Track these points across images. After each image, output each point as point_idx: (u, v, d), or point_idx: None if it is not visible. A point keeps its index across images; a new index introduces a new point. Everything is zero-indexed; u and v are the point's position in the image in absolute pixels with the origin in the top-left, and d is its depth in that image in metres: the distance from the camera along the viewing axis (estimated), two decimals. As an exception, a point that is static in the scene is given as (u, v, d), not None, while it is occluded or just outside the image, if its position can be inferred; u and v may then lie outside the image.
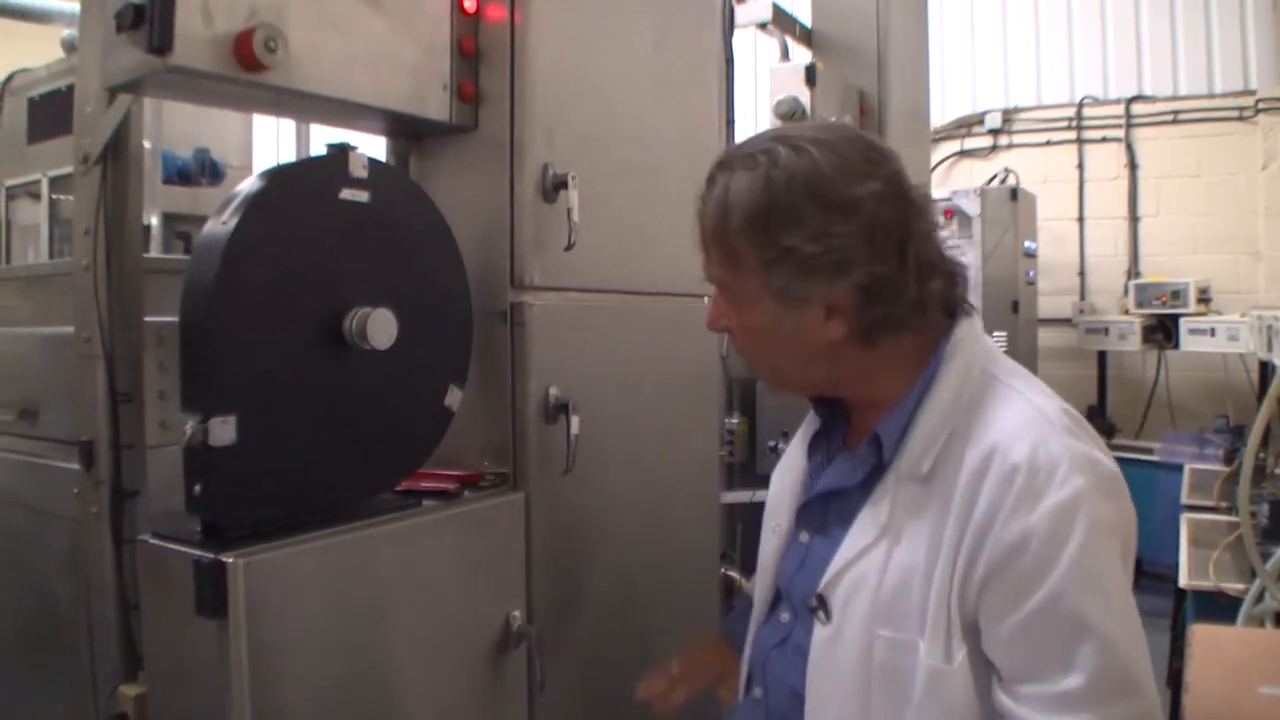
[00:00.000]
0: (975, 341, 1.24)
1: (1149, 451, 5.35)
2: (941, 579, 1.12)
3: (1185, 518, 3.94)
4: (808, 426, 1.44)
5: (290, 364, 1.48)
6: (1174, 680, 2.99)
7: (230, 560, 1.36)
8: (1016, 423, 1.13)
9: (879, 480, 1.22)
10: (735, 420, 3.36)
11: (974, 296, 4.62)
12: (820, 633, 1.23)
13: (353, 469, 1.60)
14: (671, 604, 2.18)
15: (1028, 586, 1.07)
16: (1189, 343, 5.36)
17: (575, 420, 1.84)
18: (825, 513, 1.31)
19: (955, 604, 1.11)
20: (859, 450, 1.25)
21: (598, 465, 1.96)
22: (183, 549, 1.43)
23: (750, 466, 3.52)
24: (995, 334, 5.03)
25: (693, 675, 1.61)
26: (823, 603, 1.23)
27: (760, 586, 1.43)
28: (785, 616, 1.35)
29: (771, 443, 3.46)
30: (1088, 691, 1.05)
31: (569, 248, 1.86)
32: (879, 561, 1.19)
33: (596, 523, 2.02)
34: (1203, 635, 1.88)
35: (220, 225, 1.42)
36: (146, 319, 1.81)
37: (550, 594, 1.89)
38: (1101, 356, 5.87)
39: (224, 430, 1.39)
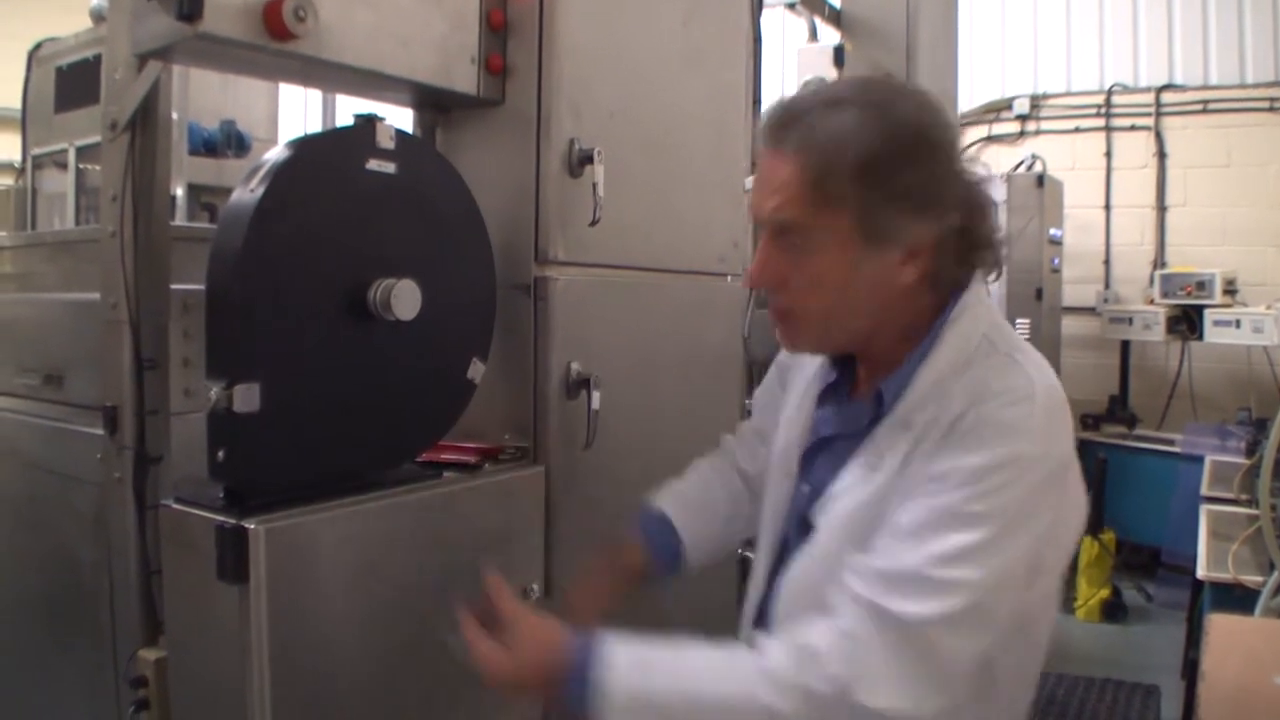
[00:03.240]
0: (979, 306, 1.28)
1: (1170, 443, 5.32)
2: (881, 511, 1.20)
3: (1205, 509, 3.91)
4: (817, 380, 1.45)
5: (315, 333, 1.49)
6: (1190, 670, 2.98)
7: (252, 526, 1.37)
8: (995, 381, 1.19)
9: (874, 428, 1.28)
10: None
11: (998, 283, 4.59)
12: (804, 549, 1.31)
13: (375, 438, 1.61)
14: (688, 581, 2.18)
15: (930, 493, 1.15)
16: (1213, 334, 5.31)
17: (596, 396, 1.84)
18: (828, 453, 1.36)
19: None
20: (863, 403, 1.32)
21: (618, 441, 1.97)
22: (205, 514, 1.44)
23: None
24: (1018, 321, 5.00)
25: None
26: (808, 526, 1.31)
27: (768, 530, 1.46)
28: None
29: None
30: (914, 577, 1.11)
31: (594, 223, 1.86)
32: (859, 494, 1.25)
33: (615, 498, 2.02)
34: (1220, 625, 1.87)
35: (247, 193, 1.42)
36: (172, 286, 1.82)
37: (568, 568, 1.89)
38: (1125, 346, 5.83)
39: (248, 397, 1.39)
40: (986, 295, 1.31)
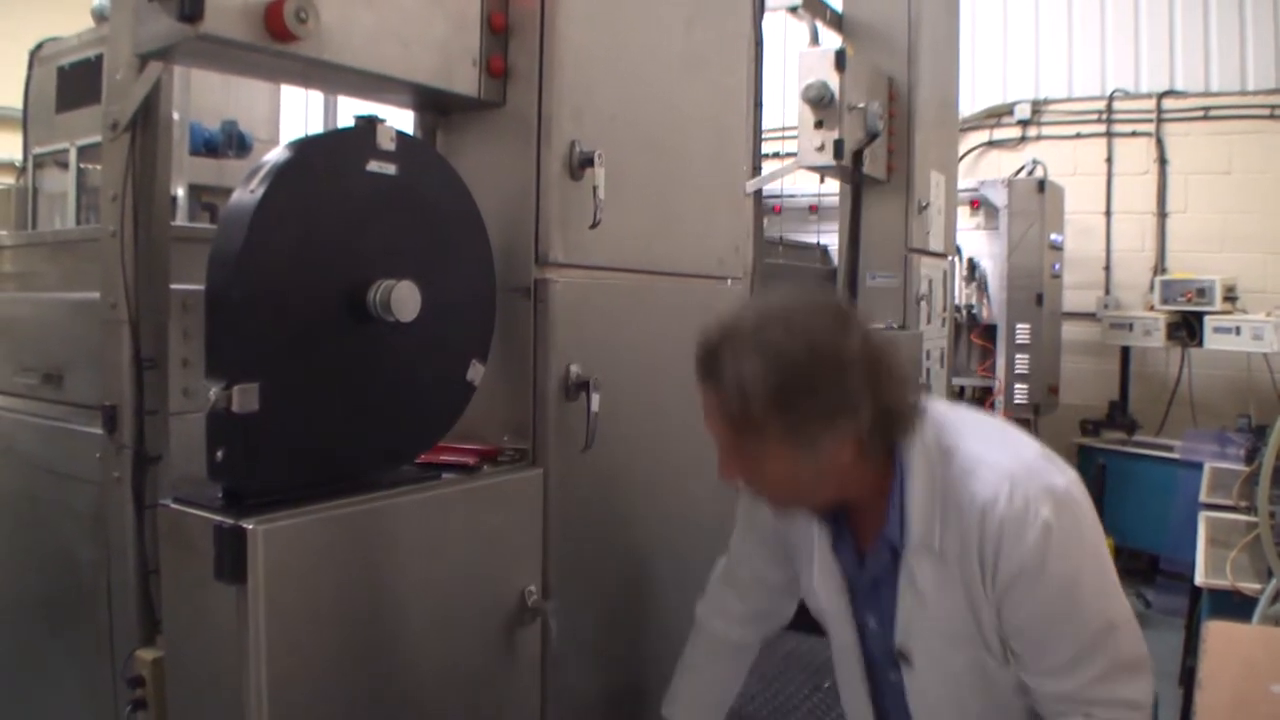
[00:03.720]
0: (921, 432, 1.51)
1: (1170, 449, 5.33)
2: (977, 609, 1.48)
3: (1204, 516, 3.90)
4: (823, 540, 1.66)
5: (314, 334, 1.49)
6: (1187, 677, 2.98)
7: (250, 526, 1.37)
8: (985, 490, 1.44)
9: (900, 562, 1.54)
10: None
11: (998, 288, 4.58)
12: (911, 675, 1.59)
13: (374, 440, 1.61)
14: (686, 584, 2.18)
15: (1027, 597, 1.44)
16: (1213, 341, 5.31)
17: (595, 398, 1.84)
18: (876, 595, 1.61)
19: (990, 624, 1.48)
20: (878, 550, 1.57)
21: (617, 443, 1.97)
22: (203, 514, 1.44)
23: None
24: (1019, 326, 4.99)
25: None
26: (904, 655, 1.58)
27: (850, 664, 1.75)
28: (893, 676, 1.64)
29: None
30: (1077, 658, 1.45)
31: (594, 226, 1.86)
32: (929, 620, 1.53)
33: (614, 501, 2.02)
34: (1217, 632, 1.86)
35: (247, 194, 1.42)
36: (172, 286, 1.83)
37: (566, 570, 1.90)
38: (1125, 352, 5.82)
39: (247, 397, 1.39)
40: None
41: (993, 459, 1.48)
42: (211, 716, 1.48)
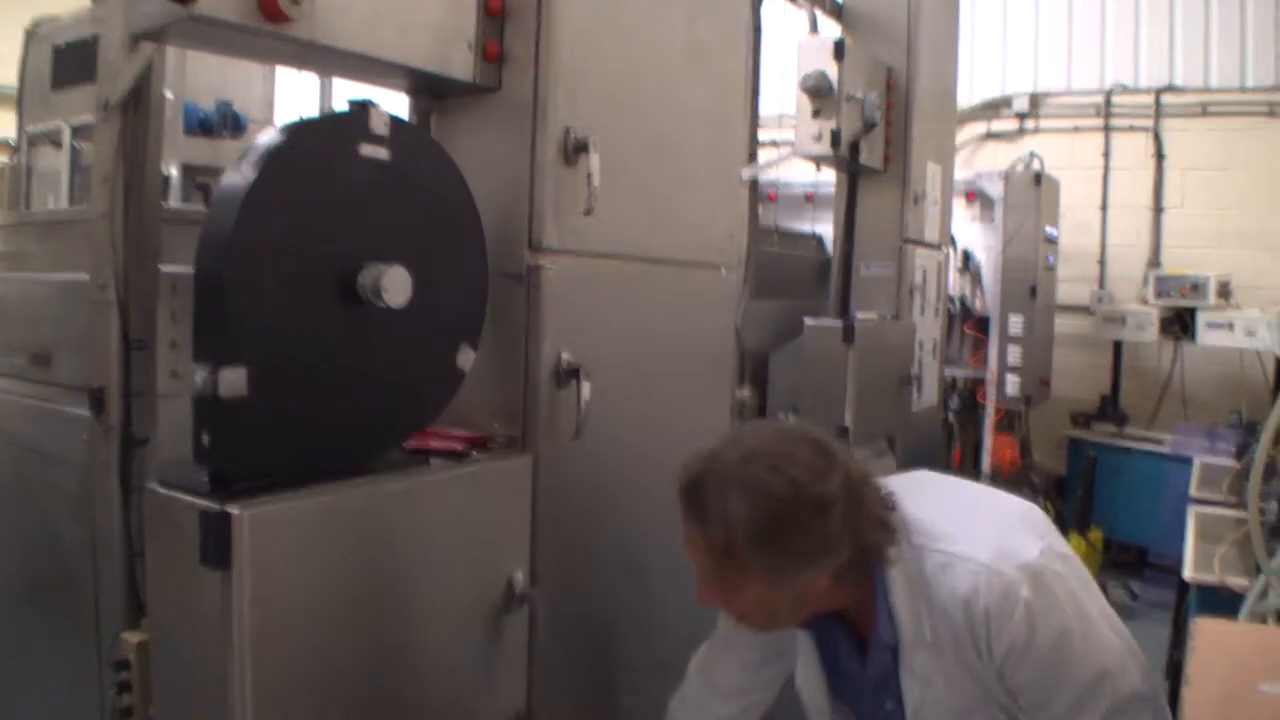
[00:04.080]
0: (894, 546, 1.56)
1: (1159, 443, 5.35)
2: (982, 681, 1.56)
3: (1193, 511, 3.90)
4: (808, 644, 1.74)
5: (303, 318, 1.48)
6: (1173, 671, 2.98)
7: (236, 512, 1.36)
8: (963, 584, 1.51)
9: (896, 658, 1.61)
10: (746, 392, 3.34)
11: (992, 280, 4.52)
12: None
13: (362, 425, 1.60)
14: (676, 573, 2.17)
15: (1022, 666, 1.52)
16: (1206, 336, 5.31)
17: (586, 386, 1.84)
18: (887, 683, 1.65)
19: (996, 688, 1.57)
20: (877, 648, 1.63)
21: (607, 432, 1.96)
22: (189, 499, 1.43)
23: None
24: (1012, 317, 4.99)
25: None
26: None
27: None
28: None
29: (781, 414, 3.43)
30: (1077, 707, 1.53)
31: (588, 212, 1.85)
32: (936, 699, 1.60)
33: (604, 489, 2.02)
34: (1205, 629, 1.85)
35: (239, 177, 1.41)
36: (162, 268, 1.81)
37: (554, 558, 1.89)
38: (1117, 346, 5.83)
39: (234, 381, 1.39)
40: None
41: (965, 551, 1.54)
42: (197, 702, 1.48)
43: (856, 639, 1.69)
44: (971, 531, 1.58)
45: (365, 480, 1.57)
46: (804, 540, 1.46)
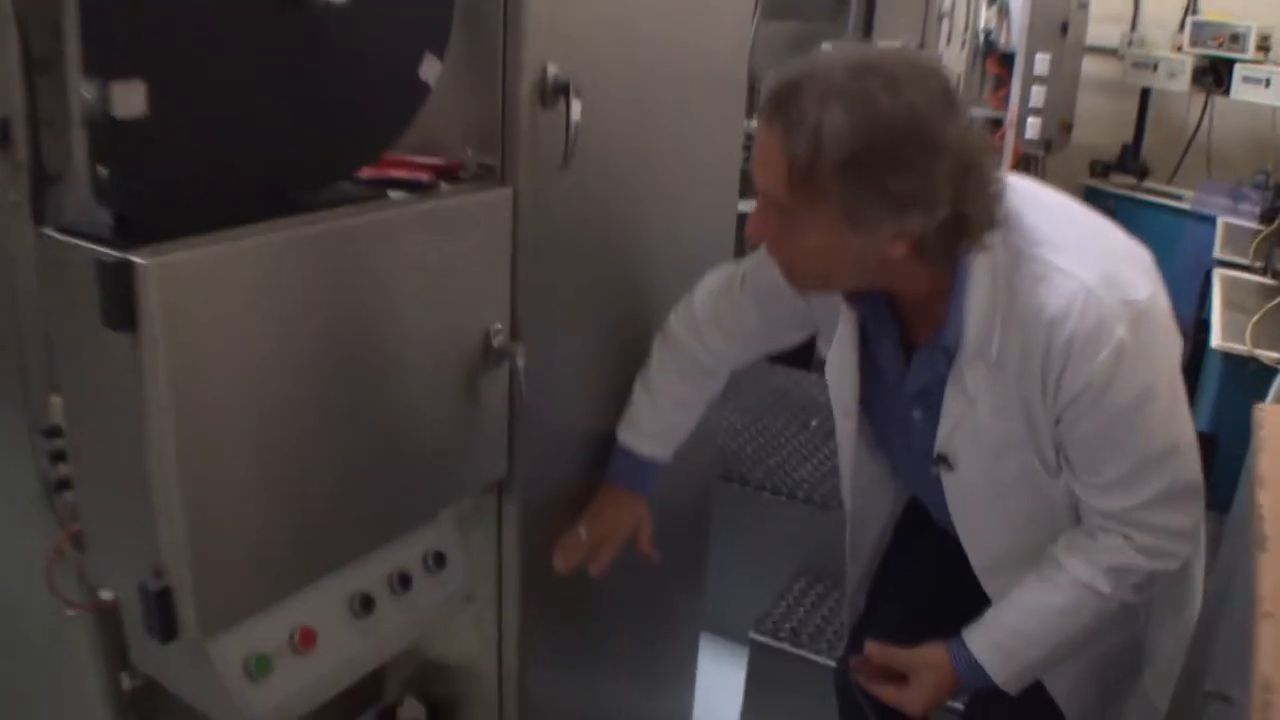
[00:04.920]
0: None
1: (1179, 198, 5.12)
2: (1032, 419, 1.40)
3: (1219, 274, 3.72)
4: (849, 325, 1.56)
5: (220, 17, 1.16)
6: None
7: (141, 261, 1.09)
8: (1056, 301, 1.30)
9: (952, 366, 1.42)
10: (756, 124, 3.04)
11: (1021, 13, 4.12)
12: (951, 478, 1.53)
13: (302, 150, 1.31)
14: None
15: (1089, 414, 1.35)
16: (1240, 91, 4.94)
17: (577, 105, 1.53)
18: (925, 395, 1.50)
19: (1045, 433, 1.40)
20: (930, 351, 1.45)
21: (600, 162, 1.68)
22: (87, 246, 1.16)
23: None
24: (1038, 55, 4.60)
25: (608, 536, 1.82)
26: (945, 458, 1.51)
27: (846, 450, 1.74)
28: (934, 471, 1.55)
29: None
30: (1131, 478, 1.39)
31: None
32: (975, 425, 1.44)
33: (594, 227, 1.75)
34: (1274, 417, 1.66)
35: None
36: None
37: (538, 307, 1.65)
38: (1145, 94, 5.47)
39: (129, 98, 1.09)
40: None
41: (1069, 265, 1.33)
42: (122, 485, 1.26)
43: (904, 342, 1.52)
44: (1081, 250, 1.35)
45: (307, 218, 1.29)
46: (903, 181, 1.23)
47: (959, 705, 1.94)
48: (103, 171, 1.13)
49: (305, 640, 1.40)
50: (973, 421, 1.44)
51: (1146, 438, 1.37)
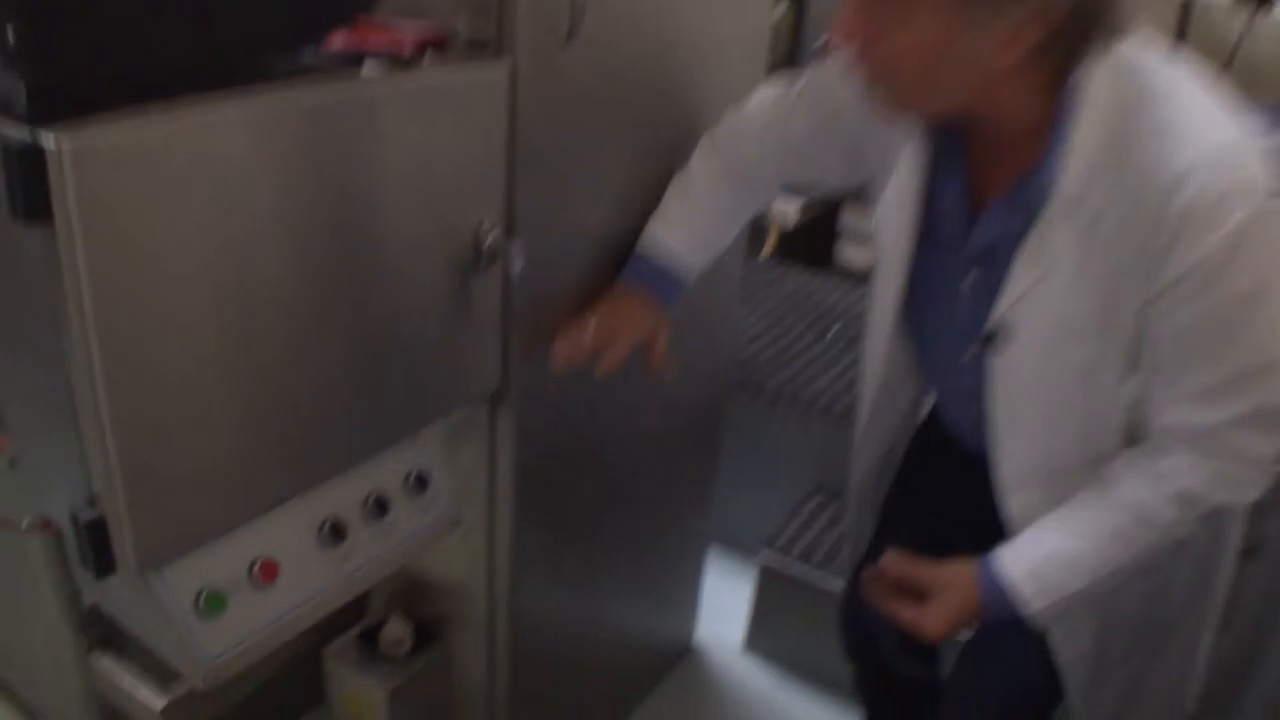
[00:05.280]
0: (1108, 60, 1.15)
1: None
2: (1114, 300, 1.20)
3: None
4: (916, 162, 1.36)
5: None
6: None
7: (54, 146, 0.91)
8: (1178, 160, 1.11)
9: (1034, 222, 1.22)
10: (779, 9, 2.79)
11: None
12: (998, 362, 1.32)
13: (258, 12, 1.12)
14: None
15: (1187, 305, 1.15)
16: (1289, 7, 4.67)
17: (585, -34, 1.32)
18: (991, 256, 1.31)
19: (1124, 322, 1.20)
20: (1009, 200, 1.26)
21: (611, 32, 1.48)
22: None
23: (793, 62, 3.00)
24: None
25: (620, 333, 1.60)
26: (993, 337, 1.30)
27: (881, 315, 1.49)
28: (972, 351, 1.36)
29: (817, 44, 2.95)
30: (1216, 390, 1.20)
31: None
32: (1044, 299, 1.24)
33: (601, 108, 1.55)
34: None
35: None
36: None
37: (536, 203, 1.46)
38: (1186, 7, 5.17)
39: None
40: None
41: (1200, 125, 1.12)
42: (49, 398, 1.10)
43: (972, 195, 1.33)
44: (1212, 114, 1.14)
45: (262, 92, 1.10)
46: None
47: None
48: (10, 31, 0.93)
49: (266, 573, 1.25)
50: (1043, 294, 1.24)
51: (1250, 345, 1.18)
